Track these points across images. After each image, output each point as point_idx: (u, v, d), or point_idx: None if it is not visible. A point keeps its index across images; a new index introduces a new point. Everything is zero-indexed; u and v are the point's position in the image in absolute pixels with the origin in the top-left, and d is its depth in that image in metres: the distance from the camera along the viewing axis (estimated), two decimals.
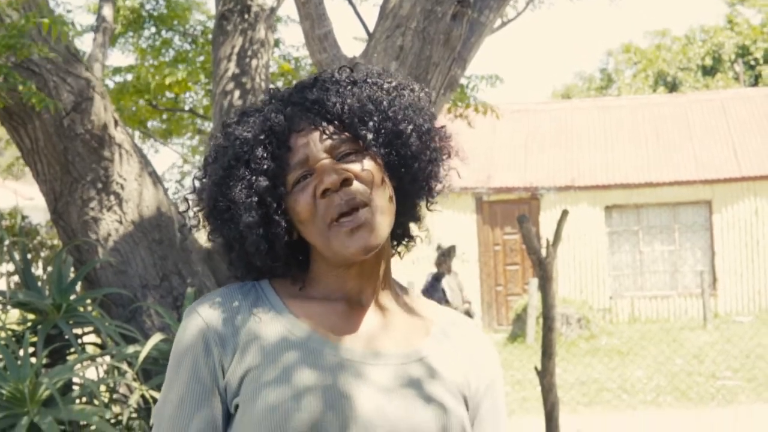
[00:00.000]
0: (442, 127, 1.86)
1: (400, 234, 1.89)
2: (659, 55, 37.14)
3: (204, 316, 1.73)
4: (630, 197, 20.30)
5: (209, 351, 1.70)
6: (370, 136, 1.75)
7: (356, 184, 1.72)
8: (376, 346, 1.75)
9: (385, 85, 1.82)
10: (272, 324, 1.73)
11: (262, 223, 1.75)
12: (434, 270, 11.28)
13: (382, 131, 1.76)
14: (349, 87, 1.80)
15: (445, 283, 11.12)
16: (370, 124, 1.75)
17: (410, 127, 1.78)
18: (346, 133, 1.75)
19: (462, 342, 1.85)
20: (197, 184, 1.84)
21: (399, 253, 1.92)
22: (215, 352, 1.70)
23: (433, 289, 10.87)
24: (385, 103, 1.78)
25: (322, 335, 1.73)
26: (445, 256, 10.58)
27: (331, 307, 1.78)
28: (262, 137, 1.76)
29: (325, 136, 1.75)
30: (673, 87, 35.97)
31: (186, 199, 1.87)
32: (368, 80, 1.82)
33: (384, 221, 1.74)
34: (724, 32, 36.32)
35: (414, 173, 1.79)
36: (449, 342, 1.83)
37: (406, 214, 1.85)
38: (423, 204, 1.88)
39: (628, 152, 20.92)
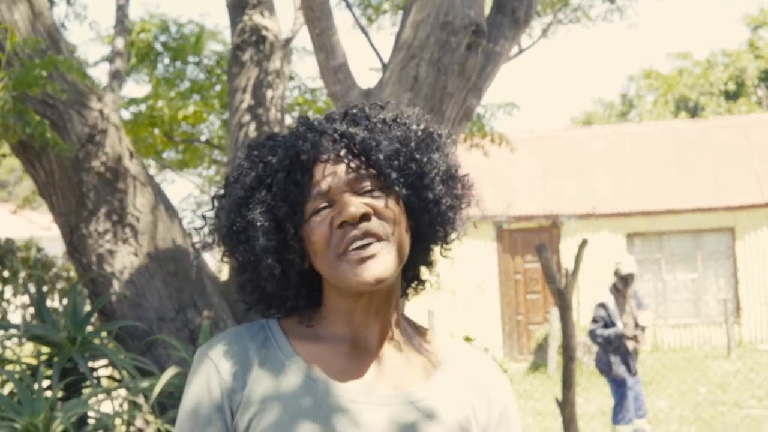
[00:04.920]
0: (466, 174, 1.86)
1: (411, 277, 1.88)
2: (680, 80, 37.04)
3: (214, 362, 1.76)
4: (652, 225, 20.16)
5: (218, 399, 1.73)
6: (394, 175, 1.75)
7: (374, 220, 1.72)
8: (375, 389, 1.75)
9: (414, 127, 1.82)
10: (278, 369, 1.75)
11: (278, 248, 1.74)
12: (607, 295, 10.75)
13: (407, 172, 1.76)
14: (379, 124, 1.80)
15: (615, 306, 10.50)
16: (396, 163, 1.76)
17: (434, 171, 1.78)
18: (371, 170, 1.75)
19: (468, 378, 1.84)
20: (216, 203, 1.83)
21: (407, 295, 1.91)
22: (225, 400, 1.73)
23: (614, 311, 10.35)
24: (412, 144, 1.78)
25: (325, 379, 1.74)
26: (625, 281, 10.21)
27: (337, 349, 1.78)
28: (286, 162, 1.74)
29: (350, 170, 1.74)
30: (694, 112, 35.86)
31: (203, 217, 1.86)
32: (398, 120, 1.82)
33: (395, 255, 1.72)
34: (746, 56, 36.21)
35: (432, 217, 1.79)
36: (453, 382, 1.82)
37: (418, 257, 1.85)
38: (436, 249, 1.87)
39: (649, 179, 20.80)
